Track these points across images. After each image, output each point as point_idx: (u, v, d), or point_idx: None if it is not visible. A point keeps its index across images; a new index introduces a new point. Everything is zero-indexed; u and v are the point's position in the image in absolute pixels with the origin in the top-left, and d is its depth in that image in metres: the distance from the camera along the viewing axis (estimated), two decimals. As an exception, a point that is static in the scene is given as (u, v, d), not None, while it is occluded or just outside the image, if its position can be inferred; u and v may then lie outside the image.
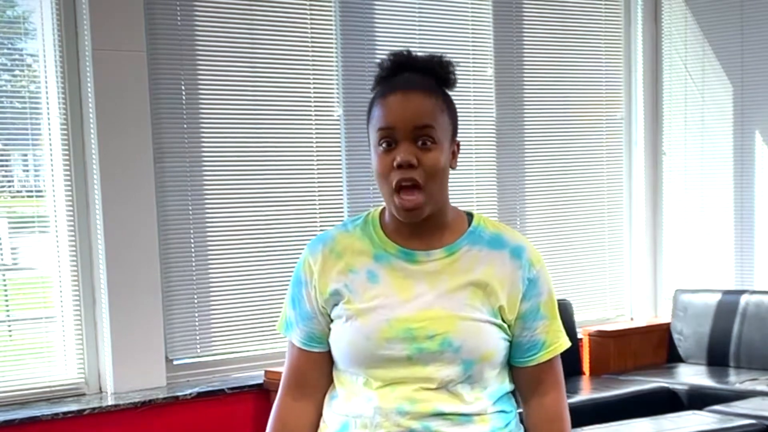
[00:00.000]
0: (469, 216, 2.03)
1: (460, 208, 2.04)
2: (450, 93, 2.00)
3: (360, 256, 1.98)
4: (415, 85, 1.93)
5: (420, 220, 1.95)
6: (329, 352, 2.03)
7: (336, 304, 1.99)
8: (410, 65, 1.96)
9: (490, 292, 1.95)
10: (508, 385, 2.03)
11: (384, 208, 2.03)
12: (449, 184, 1.98)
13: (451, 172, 1.99)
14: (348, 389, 2.00)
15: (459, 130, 2.01)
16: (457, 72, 1.99)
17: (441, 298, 1.94)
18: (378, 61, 2.00)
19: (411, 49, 2.02)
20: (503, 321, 1.96)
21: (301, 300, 2.03)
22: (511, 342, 2.00)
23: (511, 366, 2.03)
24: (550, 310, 2.00)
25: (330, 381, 2.05)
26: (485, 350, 1.94)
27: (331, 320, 2.00)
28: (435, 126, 1.91)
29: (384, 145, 1.91)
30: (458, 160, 2.00)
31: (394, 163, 1.89)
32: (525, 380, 2.03)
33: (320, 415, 2.06)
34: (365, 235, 2.01)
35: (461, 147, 2.01)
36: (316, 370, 2.04)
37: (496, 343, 1.96)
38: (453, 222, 2.00)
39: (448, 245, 1.97)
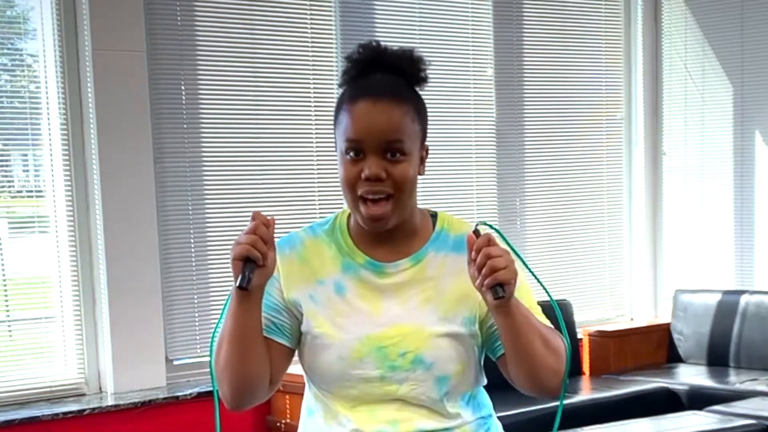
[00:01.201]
0: (434, 217, 1.98)
1: (425, 210, 1.98)
2: (432, 86, 1.94)
3: (327, 266, 1.93)
4: (385, 91, 1.85)
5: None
6: (288, 350, 1.92)
7: (301, 314, 1.91)
8: (380, 62, 1.88)
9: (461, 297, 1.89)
10: (483, 380, 1.99)
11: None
12: (419, 192, 1.87)
13: (450, 172, 1.97)
14: (324, 408, 1.94)
15: (459, 130, 2.00)
16: (429, 69, 1.91)
17: (411, 313, 1.89)
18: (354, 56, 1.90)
19: (408, 47, 1.94)
20: (479, 323, 1.90)
21: (269, 291, 1.90)
22: (484, 341, 1.93)
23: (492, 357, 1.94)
24: (522, 298, 1.85)
25: (278, 375, 1.92)
26: (459, 365, 1.89)
27: (301, 331, 1.92)
28: (404, 139, 1.83)
29: (351, 154, 1.85)
30: (457, 159, 1.99)
31: (362, 175, 1.83)
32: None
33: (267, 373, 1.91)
34: (333, 241, 1.96)
35: (461, 148, 2.01)
36: (271, 361, 1.90)
37: (470, 355, 1.91)
38: (419, 227, 1.95)
39: (414, 254, 1.92)
